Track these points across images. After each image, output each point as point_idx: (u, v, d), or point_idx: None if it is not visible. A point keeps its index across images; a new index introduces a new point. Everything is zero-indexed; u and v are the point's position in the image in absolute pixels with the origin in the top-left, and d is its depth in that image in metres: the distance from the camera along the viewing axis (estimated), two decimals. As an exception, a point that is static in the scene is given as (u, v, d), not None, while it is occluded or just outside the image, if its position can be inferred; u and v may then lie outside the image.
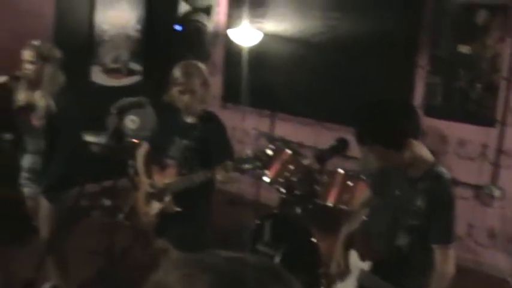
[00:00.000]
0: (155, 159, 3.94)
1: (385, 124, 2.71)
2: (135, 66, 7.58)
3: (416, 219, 2.71)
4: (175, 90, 3.68)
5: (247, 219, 5.38)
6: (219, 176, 3.53)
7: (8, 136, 4.38)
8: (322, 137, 6.27)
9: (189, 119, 3.80)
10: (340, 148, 4.65)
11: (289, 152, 5.07)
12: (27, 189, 4.32)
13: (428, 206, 2.68)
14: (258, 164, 3.60)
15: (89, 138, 5.82)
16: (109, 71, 7.29)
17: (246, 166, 3.58)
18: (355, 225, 3.27)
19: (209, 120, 3.80)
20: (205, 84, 3.73)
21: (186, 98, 3.67)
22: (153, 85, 4.58)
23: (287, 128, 6.68)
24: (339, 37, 6.36)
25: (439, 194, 2.71)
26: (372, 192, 3.24)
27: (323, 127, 6.55)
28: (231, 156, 3.65)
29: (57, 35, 6.47)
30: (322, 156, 4.60)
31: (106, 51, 7.19)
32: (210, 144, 3.70)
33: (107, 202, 6.40)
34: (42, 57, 4.07)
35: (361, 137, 2.78)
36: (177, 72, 3.68)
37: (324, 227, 4.54)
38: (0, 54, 5.08)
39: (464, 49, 5.65)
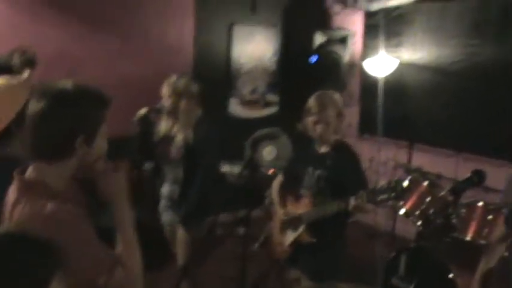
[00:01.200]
0: (290, 189, 3.94)
1: None
2: (272, 98, 7.70)
3: None
4: (309, 121, 3.67)
5: (383, 251, 5.28)
6: (353, 206, 3.45)
7: (148, 165, 4.57)
8: (461, 168, 6.01)
9: (322, 149, 3.77)
10: (475, 180, 4.46)
11: (425, 183, 4.93)
12: (166, 216, 4.49)
13: None
14: (393, 195, 3.49)
15: (226, 168, 5.97)
16: (246, 103, 7.45)
17: (380, 197, 3.48)
18: (493, 262, 3.09)
19: (342, 150, 3.74)
20: (339, 115, 3.68)
21: (319, 128, 3.64)
22: (289, 116, 4.62)
23: (425, 159, 6.48)
24: (479, 64, 6.04)
25: None
26: (507, 226, 3.05)
27: (462, 158, 6.30)
28: (365, 187, 3.58)
29: (196, 68, 6.74)
30: (456, 188, 4.43)
31: (243, 84, 7.37)
32: (343, 174, 3.63)
33: (241, 231, 6.49)
34: (177, 92, 4.24)
35: None
36: (311, 103, 3.66)
37: (462, 262, 4.34)
38: (144, 89, 5.33)
39: None
